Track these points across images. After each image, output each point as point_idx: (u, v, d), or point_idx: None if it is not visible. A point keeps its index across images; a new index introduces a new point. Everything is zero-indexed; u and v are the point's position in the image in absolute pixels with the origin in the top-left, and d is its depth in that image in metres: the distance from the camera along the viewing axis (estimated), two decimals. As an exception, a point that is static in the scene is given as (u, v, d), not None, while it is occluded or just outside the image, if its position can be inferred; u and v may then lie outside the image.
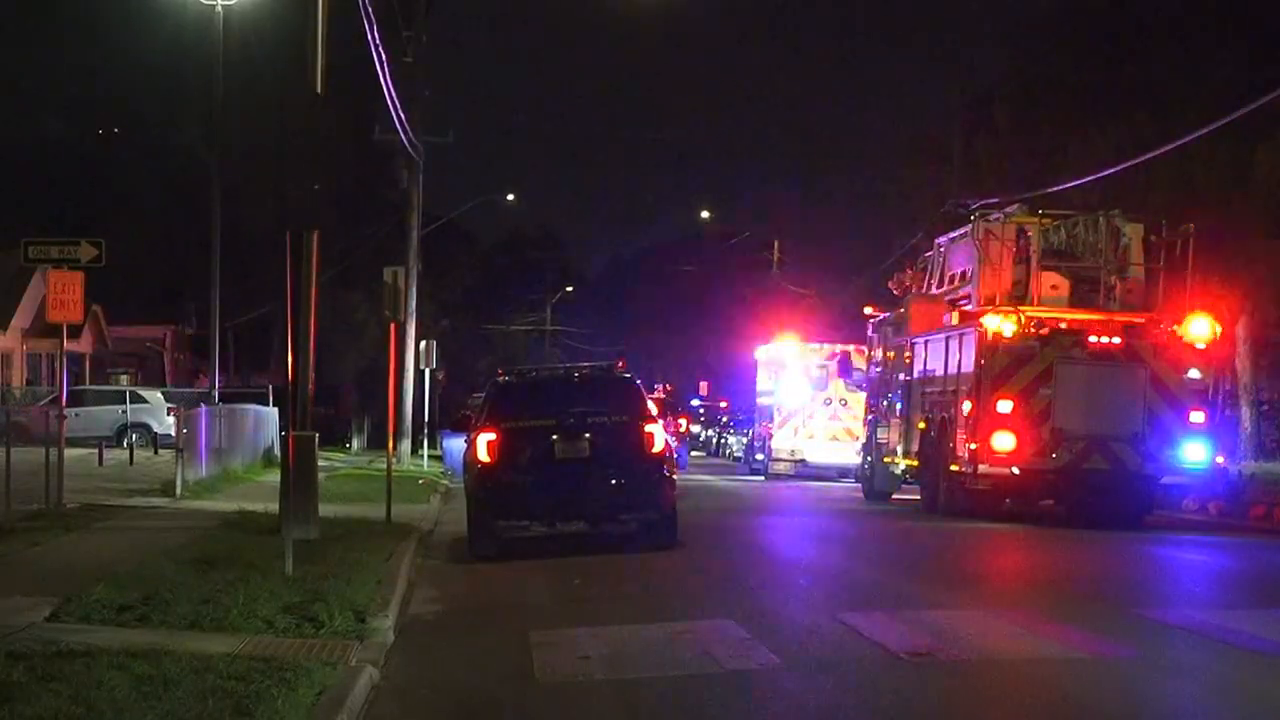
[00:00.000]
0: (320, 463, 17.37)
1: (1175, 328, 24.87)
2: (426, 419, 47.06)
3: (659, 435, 19.95)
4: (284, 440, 15.95)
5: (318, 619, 12.43)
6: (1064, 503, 25.82)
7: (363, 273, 55.73)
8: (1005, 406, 24.49)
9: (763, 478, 42.69)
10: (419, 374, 43.80)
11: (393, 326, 25.44)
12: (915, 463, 28.54)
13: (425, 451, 44.36)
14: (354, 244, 59.31)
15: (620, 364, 22.74)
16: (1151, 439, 24.59)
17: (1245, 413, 42.23)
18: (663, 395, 69.04)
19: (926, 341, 28.29)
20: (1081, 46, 41.53)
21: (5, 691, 9.39)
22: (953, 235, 29.68)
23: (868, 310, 34.61)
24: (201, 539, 18.18)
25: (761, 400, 45.28)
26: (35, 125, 62.53)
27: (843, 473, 39.33)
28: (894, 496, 31.13)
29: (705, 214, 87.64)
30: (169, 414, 41.69)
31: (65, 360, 27.22)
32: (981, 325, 24.93)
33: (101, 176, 62.57)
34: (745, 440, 53.46)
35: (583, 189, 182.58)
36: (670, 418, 46.64)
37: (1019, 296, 25.91)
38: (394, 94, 39.47)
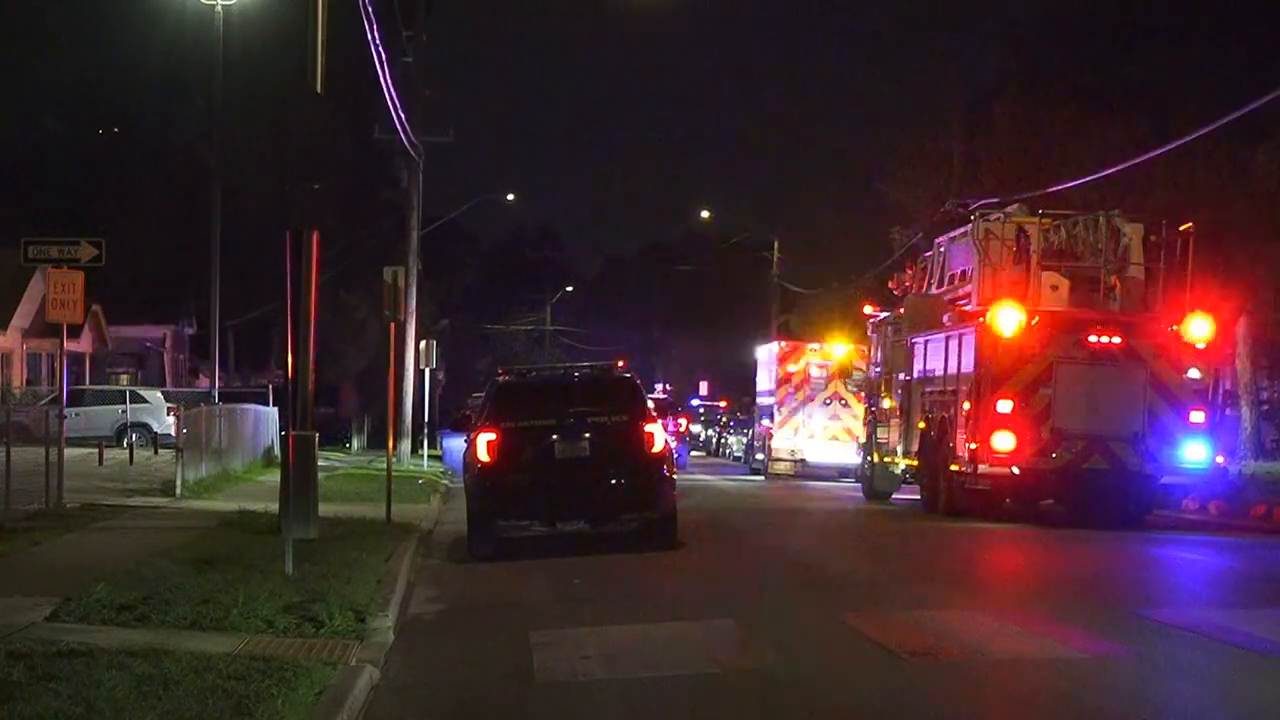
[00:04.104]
0: (320, 463, 17.35)
1: (1175, 328, 24.85)
2: (426, 419, 47.06)
3: (659, 435, 19.95)
4: (284, 440, 15.92)
5: (318, 619, 12.44)
6: (1064, 503, 25.83)
7: (363, 273, 55.79)
8: (1005, 406, 24.48)
9: (763, 478, 42.69)
10: (419, 374, 43.80)
11: (393, 326, 25.42)
12: (915, 463, 28.53)
13: (425, 451, 44.35)
14: (354, 244, 59.36)
15: (620, 364, 22.73)
16: (1151, 439, 24.58)
17: (1245, 413, 42.21)
18: (663, 395, 69.13)
19: (926, 341, 28.29)
20: (1081, 46, 41.54)
21: (5, 691, 9.39)
22: (953, 235, 29.67)
23: (868, 310, 34.60)
24: (201, 539, 18.18)
25: (761, 400, 45.27)
26: (35, 125, 62.51)
27: (843, 473, 39.34)
28: (894, 496, 31.12)
29: (705, 214, 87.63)
30: (169, 414, 41.72)
31: (65, 360, 27.22)
32: (981, 325, 24.93)
33: (101, 176, 62.55)
34: (745, 440, 53.45)
35: (582, 189, 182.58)
36: (670, 418, 46.66)
37: (1019, 296, 25.90)
38: (394, 94, 39.49)
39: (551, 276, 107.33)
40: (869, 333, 33.86)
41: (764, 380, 44.85)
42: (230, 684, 9.90)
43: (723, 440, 65.43)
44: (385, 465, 25.32)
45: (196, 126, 57.98)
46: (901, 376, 29.89)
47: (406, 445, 43.09)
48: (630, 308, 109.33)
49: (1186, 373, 24.76)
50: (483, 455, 19.57)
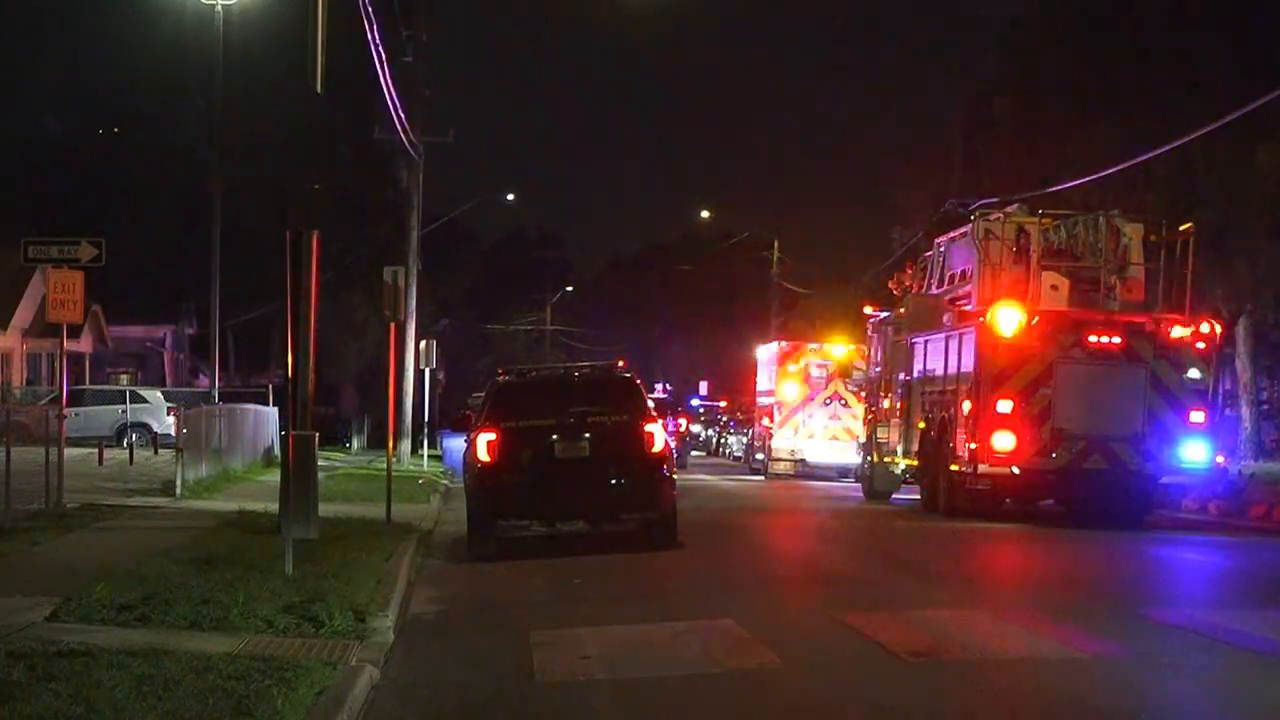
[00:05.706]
0: (320, 463, 17.36)
1: (1175, 328, 24.86)
2: (426, 419, 47.06)
3: (659, 435, 19.95)
4: (284, 440, 15.93)
5: (318, 619, 12.43)
6: (1064, 503, 25.84)
7: (363, 273, 55.75)
8: (1005, 406, 24.49)
9: (763, 478, 42.69)
10: (419, 374, 43.80)
11: (393, 326, 25.42)
12: (915, 463, 28.53)
13: (425, 451, 44.35)
14: (354, 244, 59.32)
15: (620, 364, 22.74)
16: (1151, 439, 24.59)
17: (1245, 413, 42.22)
18: (663, 395, 69.14)
19: (926, 341, 28.29)
20: (1081, 46, 41.54)
21: (5, 691, 9.39)
22: (953, 235, 29.68)
23: (868, 310, 34.61)
24: (201, 539, 18.18)
25: (761, 400, 45.29)
26: (35, 125, 62.50)
27: (843, 473, 39.36)
28: (894, 496, 31.12)
29: (705, 214, 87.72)
30: (169, 414, 41.71)
31: (65, 360, 27.21)
32: (981, 325, 24.93)
33: (101, 176, 62.54)
34: (745, 440, 53.43)
35: (583, 189, 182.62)
36: (670, 417, 46.67)
37: (1019, 296, 25.90)
38: (394, 94, 39.53)
39: (551, 276, 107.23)
40: (869, 333, 33.86)
41: (764, 380, 44.87)
42: (230, 684, 9.89)
43: (723, 440, 65.45)
44: (385, 465, 25.32)
45: (196, 126, 58.00)
46: (901, 376, 29.89)
47: (406, 445, 43.10)
48: (630, 308, 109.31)
49: (1186, 373, 24.77)
50: (483, 455, 19.57)
